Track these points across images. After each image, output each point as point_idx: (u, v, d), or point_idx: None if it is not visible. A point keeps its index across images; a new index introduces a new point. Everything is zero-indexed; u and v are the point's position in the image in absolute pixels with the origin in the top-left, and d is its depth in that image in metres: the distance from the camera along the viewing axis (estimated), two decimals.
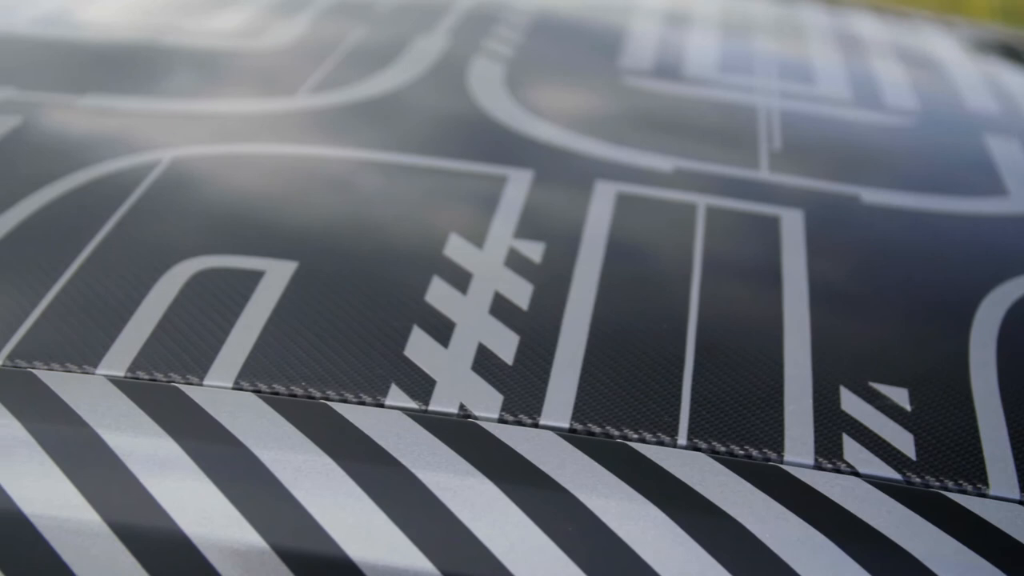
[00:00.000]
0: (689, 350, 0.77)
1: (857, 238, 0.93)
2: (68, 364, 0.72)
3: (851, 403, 0.74)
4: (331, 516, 0.65)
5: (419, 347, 0.75)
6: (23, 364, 0.72)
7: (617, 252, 0.86)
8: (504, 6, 1.39)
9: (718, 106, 1.15)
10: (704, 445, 0.70)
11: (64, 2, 1.33)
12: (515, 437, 0.69)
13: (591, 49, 1.29)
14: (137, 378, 0.71)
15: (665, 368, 0.75)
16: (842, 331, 0.81)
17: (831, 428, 0.72)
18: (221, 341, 0.74)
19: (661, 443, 0.70)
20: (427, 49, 1.22)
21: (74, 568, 0.65)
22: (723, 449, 0.70)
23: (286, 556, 0.64)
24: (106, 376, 0.71)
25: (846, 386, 0.75)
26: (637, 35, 1.33)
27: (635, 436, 0.70)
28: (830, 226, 0.93)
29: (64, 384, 0.71)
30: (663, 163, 1.00)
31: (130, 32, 1.23)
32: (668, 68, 1.23)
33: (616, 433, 0.70)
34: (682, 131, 1.08)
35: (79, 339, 0.74)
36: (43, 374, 0.71)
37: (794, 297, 0.83)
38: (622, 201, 0.93)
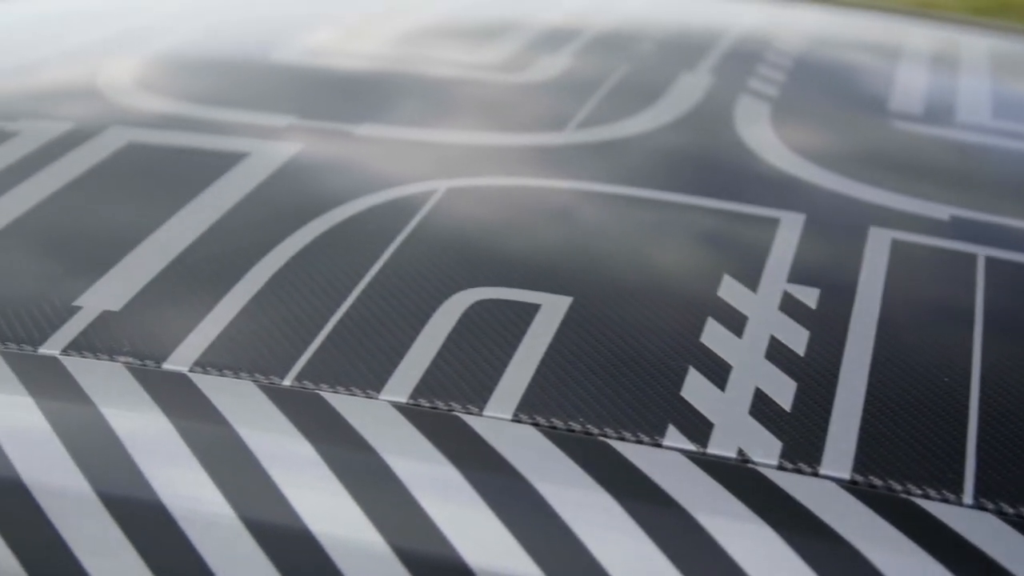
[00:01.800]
0: (973, 405, 0.75)
1: None
2: (352, 388, 0.74)
3: None
4: (611, 554, 0.65)
5: (696, 388, 0.75)
6: (310, 386, 0.74)
7: (894, 301, 0.85)
8: (766, 46, 1.38)
9: (993, 153, 1.11)
10: (991, 505, 0.68)
11: (336, 33, 1.37)
12: (795, 485, 0.68)
13: (857, 91, 1.27)
14: (419, 405, 0.73)
15: (948, 422, 0.73)
16: None
17: None
18: (500, 372, 0.75)
19: (946, 500, 0.68)
20: (691, 87, 1.22)
21: None
22: (1011, 511, 0.67)
23: None
24: (389, 401, 0.73)
25: None
26: (904, 78, 1.30)
27: (918, 491, 0.68)
28: None
29: (349, 407, 0.72)
30: (938, 211, 0.98)
31: (400, 64, 1.27)
32: (939, 113, 1.21)
33: (898, 487, 0.68)
34: (957, 179, 1.05)
35: (363, 363, 0.76)
36: (329, 396, 0.73)
37: None
38: (897, 248, 0.91)
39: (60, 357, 0.76)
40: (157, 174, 1.00)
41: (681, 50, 1.35)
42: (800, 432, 0.72)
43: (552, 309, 0.81)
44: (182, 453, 0.70)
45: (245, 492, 0.68)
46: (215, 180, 0.97)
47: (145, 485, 0.69)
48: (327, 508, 0.68)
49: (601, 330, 0.80)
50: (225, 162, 1.01)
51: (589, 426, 0.71)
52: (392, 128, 1.09)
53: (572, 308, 0.82)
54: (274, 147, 1.04)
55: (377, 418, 0.72)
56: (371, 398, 0.73)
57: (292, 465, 0.69)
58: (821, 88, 1.28)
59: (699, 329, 0.80)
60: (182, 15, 1.46)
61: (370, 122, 1.10)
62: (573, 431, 0.71)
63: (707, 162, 1.06)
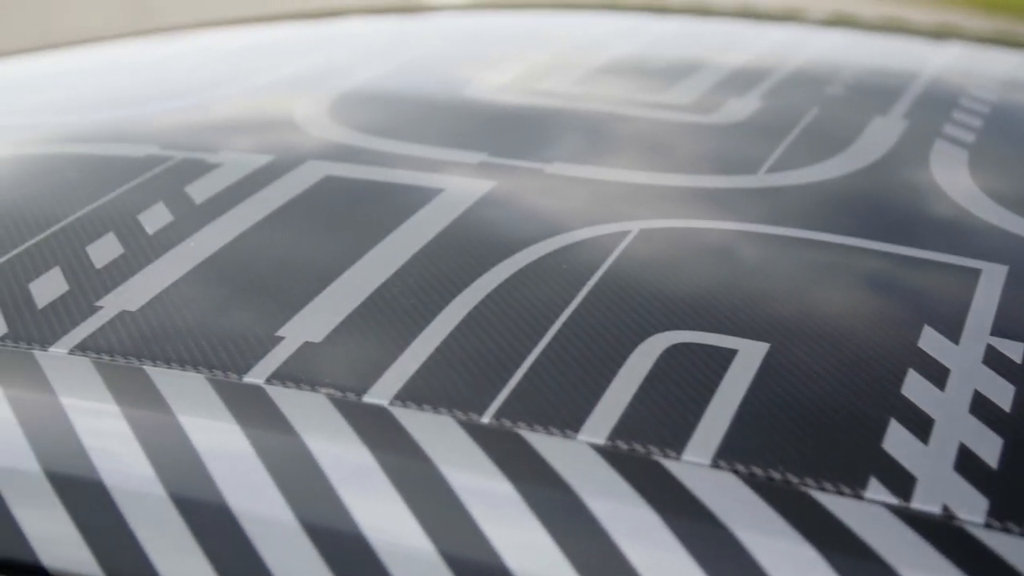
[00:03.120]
0: None
1: None
2: (551, 427, 0.74)
3: None
4: None
5: (897, 441, 0.73)
6: (508, 424, 0.75)
7: None
8: (960, 90, 1.36)
9: None
10: None
11: (525, 71, 1.38)
12: (1003, 545, 0.66)
13: None
14: (616, 447, 0.73)
15: None
16: None
17: None
18: (697, 417, 0.75)
19: None
20: (885, 132, 1.20)
21: None
22: None
23: None
24: (587, 442, 0.73)
25: None
26: None
27: None
28: None
29: (548, 446, 0.73)
30: None
31: (588, 102, 1.27)
32: None
33: None
34: None
35: (560, 403, 0.76)
36: (527, 435, 0.74)
37: None
38: None
39: (264, 386, 0.78)
40: (354, 208, 1.02)
41: (873, 93, 1.33)
42: (1008, 490, 0.70)
43: (749, 355, 0.81)
44: (383, 486, 0.71)
45: (445, 527, 0.69)
46: (411, 215, 0.99)
47: (346, 516, 0.70)
48: (526, 546, 0.68)
49: (799, 378, 0.79)
50: (420, 197, 1.02)
51: (789, 475, 0.71)
52: (582, 167, 1.10)
53: (769, 354, 0.81)
54: (467, 184, 1.05)
55: (576, 458, 0.72)
56: (569, 438, 0.73)
57: (491, 502, 0.70)
58: (1020, 135, 1.25)
59: (899, 380, 0.79)
60: (372, 52, 1.49)
61: (561, 160, 1.11)
62: (773, 480, 0.70)
63: (903, 209, 1.04)
